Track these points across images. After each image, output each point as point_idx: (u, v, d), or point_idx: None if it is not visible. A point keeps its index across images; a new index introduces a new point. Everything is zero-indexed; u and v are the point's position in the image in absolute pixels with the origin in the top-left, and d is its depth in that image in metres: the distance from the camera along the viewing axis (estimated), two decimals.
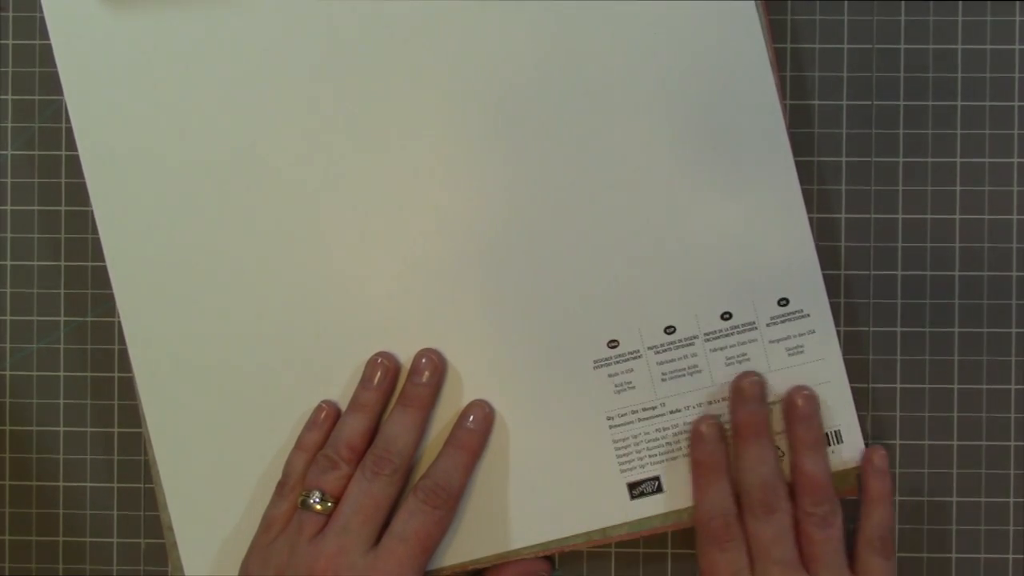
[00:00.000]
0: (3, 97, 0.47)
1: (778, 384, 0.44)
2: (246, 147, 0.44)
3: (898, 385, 0.46)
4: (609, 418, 0.44)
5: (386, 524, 0.42)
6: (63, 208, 0.47)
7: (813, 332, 0.44)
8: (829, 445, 0.44)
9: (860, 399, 0.45)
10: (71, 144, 0.46)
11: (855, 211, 0.46)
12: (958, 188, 0.46)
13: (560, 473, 0.44)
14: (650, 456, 0.44)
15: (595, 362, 0.44)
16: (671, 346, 0.44)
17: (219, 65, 0.44)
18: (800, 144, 0.46)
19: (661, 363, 0.44)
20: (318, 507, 0.42)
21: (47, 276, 0.47)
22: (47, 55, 0.47)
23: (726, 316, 0.44)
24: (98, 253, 0.46)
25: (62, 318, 0.47)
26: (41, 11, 0.45)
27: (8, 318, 0.47)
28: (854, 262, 0.46)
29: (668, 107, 0.44)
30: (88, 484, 0.47)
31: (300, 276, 0.44)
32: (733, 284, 0.44)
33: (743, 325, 0.44)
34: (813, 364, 0.44)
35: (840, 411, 0.44)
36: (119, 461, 0.47)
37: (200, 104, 0.44)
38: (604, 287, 0.44)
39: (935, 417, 0.46)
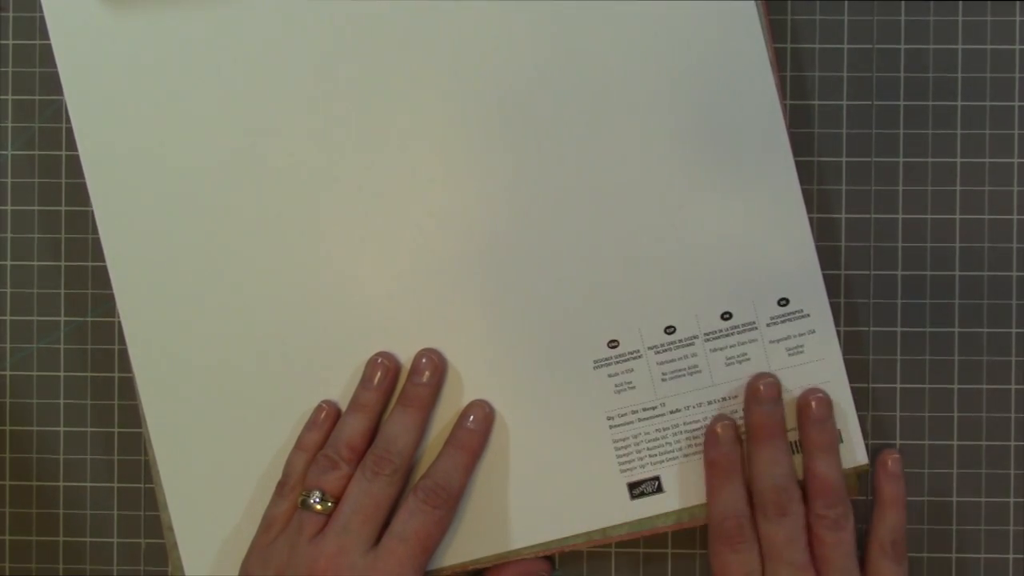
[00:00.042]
0: (3, 97, 0.47)
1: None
2: (246, 147, 0.44)
3: (898, 385, 0.46)
4: (609, 418, 0.44)
5: (386, 524, 0.42)
6: (63, 208, 0.47)
7: (813, 332, 0.44)
8: None
9: (860, 399, 0.45)
10: (71, 144, 0.46)
11: (855, 211, 0.46)
12: (958, 188, 0.46)
13: (560, 473, 0.44)
14: (650, 456, 0.44)
15: (595, 362, 0.44)
16: (671, 346, 0.44)
17: (219, 65, 0.44)
18: (800, 144, 0.46)
19: (661, 363, 0.44)
20: (318, 507, 0.42)
21: (47, 276, 0.47)
22: (47, 55, 0.47)
23: (726, 316, 0.44)
24: (98, 253, 0.46)
25: (62, 318, 0.47)
26: (41, 11, 0.45)
27: (8, 318, 0.47)
28: (854, 262, 0.46)
29: (668, 107, 0.44)
30: (88, 484, 0.47)
31: (300, 276, 0.44)
32: (733, 284, 0.44)
33: (743, 325, 0.44)
34: (813, 364, 0.44)
35: (840, 411, 0.44)
36: (119, 461, 0.47)
37: (200, 104, 0.44)
38: (604, 287, 0.44)
39: (935, 417, 0.46)
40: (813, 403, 0.43)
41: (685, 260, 0.44)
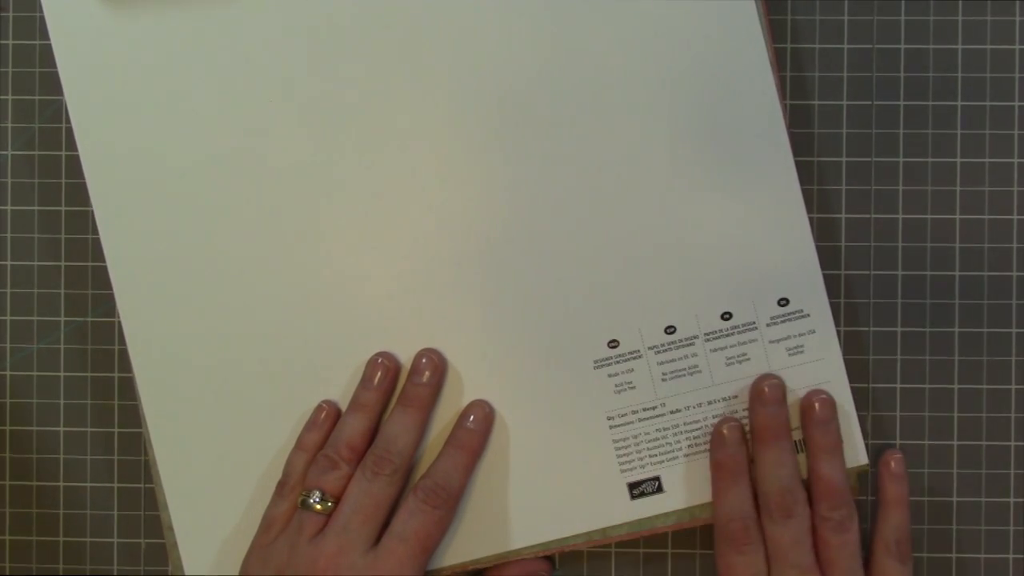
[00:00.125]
0: (3, 97, 0.47)
1: None
2: (246, 147, 0.44)
3: (898, 385, 0.46)
4: (609, 418, 0.44)
5: (386, 524, 0.42)
6: (63, 208, 0.47)
7: (813, 332, 0.44)
8: None
9: (860, 399, 0.45)
10: (71, 144, 0.46)
11: (855, 211, 0.46)
12: (958, 188, 0.46)
13: (560, 473, 0.44)
14: (650, 456, 0.44)
15: (595, 362, 0.44)
16: (671, 346, 0.44)
17: (219, 65, 0.44)
18: (800, 144, 0.46)
19: (661, 363, 0.44)
20: (318, 507, 0.42)
21: (47, 276, 0.47)
22: (47, 55, 0.47)
23: (726, 316, 0.44)
24: (98, 253, 0.46)
25: (62, 318, 0.47)
26: (41, 11, 0.45)
27: (8, 318, 0.47)
28: (854, 262, 0.46)
29: (668, 107, 0.44)
30: (88, 484, 0.47)
31: (300, 276, 0.44)
32: (733, 284, 0.44)
33: (743, 325, 0.44)
34: (813, 364, 0.44)
35: (840, 411, 0.44)
36: (119, 461, 0.47)
37: (200, 104, 0.44)
38: (604, 287, 0.44)
39: (935, 417, 0.46)
40: (817, 405, 0.43)
41: (685, 260, 0.44)
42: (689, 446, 0.44)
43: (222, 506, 0.45)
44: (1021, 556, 0.46)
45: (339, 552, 0.41)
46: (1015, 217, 0.46)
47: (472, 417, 0.44)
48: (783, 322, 0.44)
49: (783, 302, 0.44)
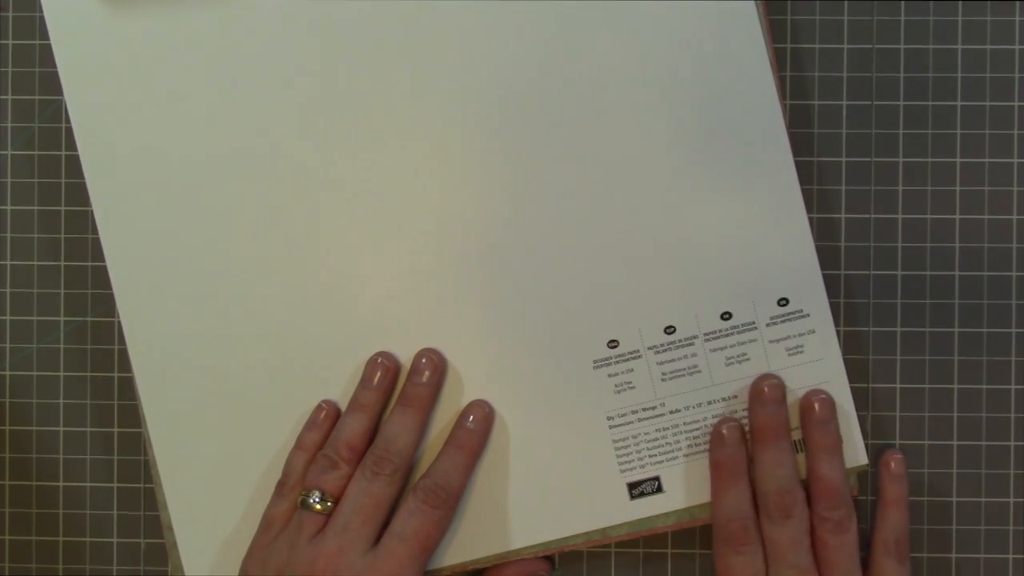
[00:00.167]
0: (3, 97, 0.47)
1: None
2: (246, 147, 0.44)
3: (898, 385, 0.46)
4: (609, 418, 0.44)
5: (386, 524, 0.42)
6: (63, 208, 0.47)
7: (813, 332, 0.44)
8: None
9: (860, 399, 0.45)
10: (71, 144, 0.46)
11: (855, 211, 0.46)
12: (958, 188, 0.46)
13: (560, 473, 0.44)
14: (650, 456, 0.44)
15: (595, 362, 0.44)
16: (671, 346, 0.44)
17: (219, 65, 0.44)
18: (800, 144, 0.46)
19: (661, 363, 0.44)
20: (318, 507, 0.42)
21: (47, 276, 0.47)
22: (47, 55, 0.47)
23: (726, 316, 0.44)
24: (98, 253, 0.46)
25: (62, 318, 0.47)
26: (41, 11, 0.45)
27: (8, 318, 0.47)
28: (854, 262, 0.46)
29: (668, 107, 0.44)
30: (88, 484, 0.47)
31: (300, 276, 0.44)
32: (733, 284, 0.44)
33: (743, 325, 0.44)
34: (813, 364, 0.44)
35: (840, 411, 0.44)
36: (119, 461, 0.47)
37: (200, 104, 0.44)
38: (604, 287, 0.44)
39: (935, 417, 0.46)
40: (816, 405, 0.43)
41: (685, 260, 0.44)
42: (689, 446, 0.44)
43: (222, 506, 0.45)
44: (1021, 556, 0.46)
45: (339, 552, 0.41)
46: (1015, 217, 0.46)
47: (472, 417, 0.44)
48: (783, 322, 0.44)
49: (783, 302, 0.44)
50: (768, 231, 0.44)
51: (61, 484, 0.47)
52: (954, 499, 0.46)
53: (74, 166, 0.47)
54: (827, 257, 0.46)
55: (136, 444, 0.47)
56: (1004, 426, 0.46)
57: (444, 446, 0.44)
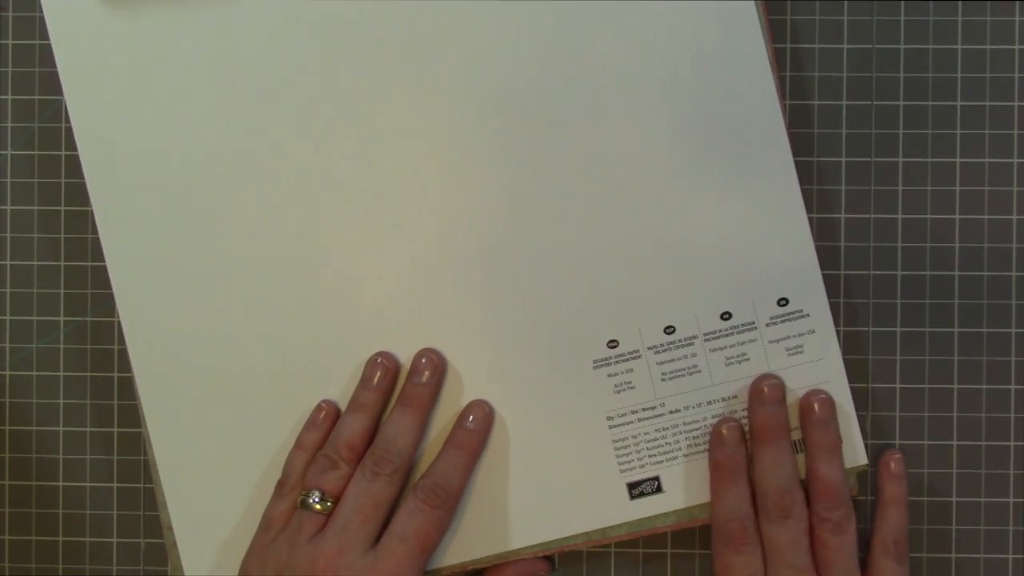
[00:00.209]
0: (3, 97, 0.47)
1: None
2: (246, 147, 0.44)
3: (898, 385, 0.46)
4: (609, 418, 0.44)
5: (386, 524, 0.42)
6: (63, 208, 0.47)
7: (813, 332, 0.44)
8: None
9: (860, 399, 0.45)
10: (71, 144, 0.46)
11: (855, 211, 0.46)
12: (958, 188, 0.46)
13: (560, 473, 0.44)
14: (650, 456, 0.44)
15: (595, 362, 0.44)
16: (671, 346, 0.44)
17: (219, 65, 0.44)
18: (800, 144, 0.46)
19: (661, 363, 0.44)
20: (318, 507, 0.42)
21: (47, 276, 0.47)
22: (47, 55, 0.47)
23: (726, 316, 0.44)
24: (98, 253, 0.46)
25: (62, 318, 0.47)
26: (41, 11, 0.45)
27: (8, 318, 0.47)
28: (854, 262, 0.46)
29: (668, 107, 0.44)
30: (88, 484, 0.47)
31: (300, 276, 0.44)
32: (733, 284, 0.44)
33: (743, 325, 0.44)
34: (813, 364, 0.44)
35: (840, 411, 0.44)
36: (119, 461, 0.47)
37: (200, 104, 0.44)
38: (604, 287, 0.44)
39: (935, 417, 0.46)
40: (816, 405, 0.43)
41: (685, 260, 0.44)
42: (688, 446, 0.44)
43: (222, 506, 0.45)
44: (1021, 556, 0.46)
45: (339, 552, 0.41)
46: (1015, 217, 0.46)
47: (472, 417, 0.44)
48: (782, 322, 0.44)
49: (783, 302, 0.44)
50: (768, 231, 0.44)
51: (61, 484, 0.47)
52: (954, 499, 0.46)
53: (74, 166, 0.47)
54: (827, 257, 0.46)
55: (136, 444, 0.47)
56: (1004, 426, 0.46)
57: (444, 446, 0.44)
